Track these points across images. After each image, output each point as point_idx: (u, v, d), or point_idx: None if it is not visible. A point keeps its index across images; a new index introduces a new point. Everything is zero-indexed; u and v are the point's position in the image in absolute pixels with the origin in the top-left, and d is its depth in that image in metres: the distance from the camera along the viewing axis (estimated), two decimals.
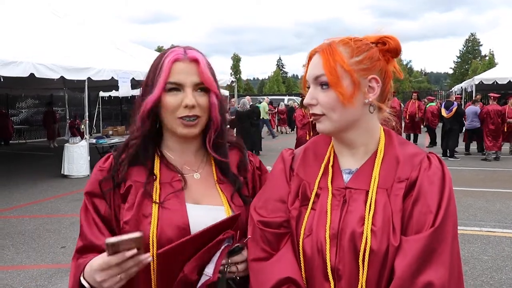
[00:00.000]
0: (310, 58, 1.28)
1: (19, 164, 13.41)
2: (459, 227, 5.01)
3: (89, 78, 10.53)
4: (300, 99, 13.66)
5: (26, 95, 21.37)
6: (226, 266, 1.28)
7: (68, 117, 19.56)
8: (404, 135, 16.95)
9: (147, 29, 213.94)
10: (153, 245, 1.28)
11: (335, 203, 1.24)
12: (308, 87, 1.28)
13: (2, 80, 8.86)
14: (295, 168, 1.36)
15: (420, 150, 1.30)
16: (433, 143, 16.47)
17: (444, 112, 13.74)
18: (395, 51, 1.27)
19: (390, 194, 1.20)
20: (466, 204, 7.71)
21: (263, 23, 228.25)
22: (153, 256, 1.27)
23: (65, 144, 11.15)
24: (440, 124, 14.96)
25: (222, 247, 1.27)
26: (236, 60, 69.18)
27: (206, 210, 1.37)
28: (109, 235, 1.31)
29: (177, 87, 1.34)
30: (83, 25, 13.82)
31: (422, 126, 17.30)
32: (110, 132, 13.70)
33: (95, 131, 20.13)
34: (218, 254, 1.26)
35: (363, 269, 1.14)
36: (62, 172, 10.86)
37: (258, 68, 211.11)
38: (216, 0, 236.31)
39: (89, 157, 10.98)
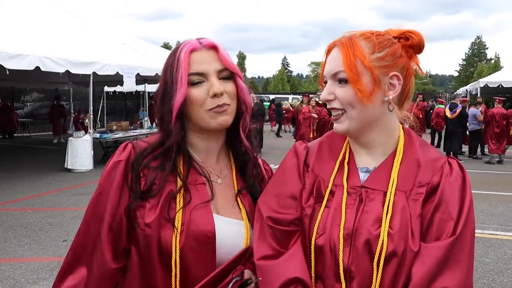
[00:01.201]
0: (328, 51, 1.23)
1: (23, 157, 13.43)
2: None
3: (94, 73, 10.55)
4: (301, 97, 13.75)
5: (31, 88, 21.42)
6: None
7: (72, 112, 19.59)
8: None
9: (153, 25, 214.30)
10: (175, 252, 1.21)
11: (351, 202, 1.21)
12: (325, 82, 1.23)
13: (8, 72, 8.87)
14: (310, 163, 1.31)
15: (440, 154, 1.26)
16: (433, 144, 16.46)
17: (448, 113, 13.78)
18: (419, 47, 1.22)
19: (409, 197, 1.17)
20: None
21: (269, 21, 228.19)
22: (175, 263, 1.21)
23: (69, 138, 11.17)
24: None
25: (231, 284, 1.21)
26: (241, 58, 69.02)
27: (230, 224, 1.30)
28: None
29: (201, 79, 1.26)
30: (89, 20, 13.82)
31: (426, 128, 17.33)
32: (114, 127, 13.72)
33: (99, 125, 20.17)
34: None
35: (378, 272, 1.11)
36: (65, 166, 10.88)
37: (263, 66, 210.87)
38: None
39: (92, 152, 10.99)
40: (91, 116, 11.76)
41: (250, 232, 1.31)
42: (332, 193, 1.24)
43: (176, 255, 1.21)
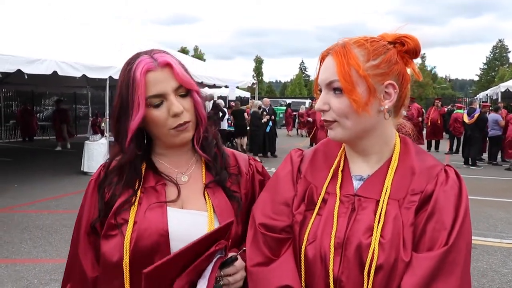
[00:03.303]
0: (322, 59, 1.21)
1: (41, 160, 13.66)
2: (478, 238, 4.93)
3: (110, 77, 10.67)
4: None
5: (50, 92, 21.84)
6: (219, 278, 1.22)
7: (90, 115, 19.86)
8: (425, 141, 16.75)
9: (171, 30, 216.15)
10: (126, 252, 1.23)
11: (343, 210, 1.18)
12: (320, 90, 1.21)
13: (26, 77, 9.05)
14: (303, 170, 1.29)
15: (437, 161, 1.22)
16: (451, 150, 16.25)
17: (466, 118, 13.57)
18: (414, 52, 1.18)
19: (402, 206, 1.13)
20: (487, 215, 7.51)
21: (286, 26, 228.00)
22: (125, 264, 1.23)
23: (85, 142, 11.32)
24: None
25: (214, 259, 1.19)
26: (259, 62, 69.24)
27: (187, 215, 1.31)
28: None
29: (160, 100, 1.27)
30: (106, 25, 14.02)
31: (444, 133, 17.11)
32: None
33: None
34: (210, 268, 1.17)
35: (368, 283, 1.08)
36: (82, 169, 11.03)
37: (280, 70, 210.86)
38: (239, 2, 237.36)
39: (108, 155, 11.07)
40: (107, 120, 11.88)
41: (215, 221, 1.31)
42: (324, 200, 1.22)
43: (126, 257, 1.23)
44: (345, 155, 1.28)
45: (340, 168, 1.25)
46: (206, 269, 1.17)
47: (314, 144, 16.74)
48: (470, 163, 13.20)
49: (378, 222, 1.12)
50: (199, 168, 1.41)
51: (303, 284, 1.19)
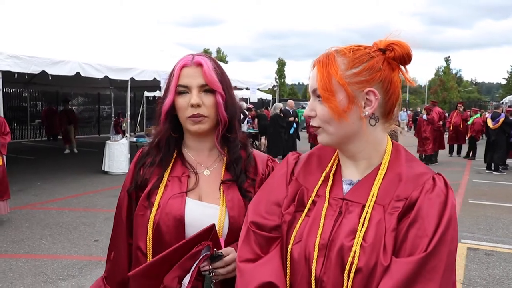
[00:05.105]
0: (314, 67, 1.24)
1: (64, 159, 13.98)
2: (496, 244, 4.85)
3: (132, 78, 10.87)
4: None
5: (75, 93, 22.28)
6: (210, 271, 1.39)
7: (113, 116, 20.20)
8: (447, 145, 16.46)
9: (194, 32, 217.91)
10: (149, 229, 1.48)
11: (330, 213, 1.21)
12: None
13: (50, 78, 9.31)
14: (295, 172, 1.34)
15: (428, 169, 1.22)
16: (470, 154, 15.96)
17: (490, 123, 13.27)
18: (402, 59, 1.19)
19: (386, 211, 1.15)
20: (507, 221, 7.37)
21: (309, 28, 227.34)
22: (149, 239, 1.48)
23: (107, 142, 11.53)
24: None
25: (200, 257, 1.36)
26: (281, 64, 69.20)
27: (202, 207, 1.51)
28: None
29: (186, 90, 1.50)
30: (128, 27, 14.26)
31: (466, 138, 16.78)
32: (153, 131, 13.94)
33: (139, 129, 20.69)
34: (194, 265, 1.36)
35: (348, 284, 1.11)
36: (102, 168, 11.26)
37: (303, 73, 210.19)
38: (262, 4, 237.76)
39: (129, 155, 11.29)
40: (128, 120, 12.09)
41: (226, 215, 1.49)
42: (314, 203, 1.25)
43: (149, 232, 1.48)
44: (338, 159, 1.30)
45: (332, 172, 1.28)
46: (192, 266, 1.37)
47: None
48: (493, 169, 12.94)
49: (362, 226, 1.14)
50: (221, 166, 1.59)
51: (287, 282, 1.22)
